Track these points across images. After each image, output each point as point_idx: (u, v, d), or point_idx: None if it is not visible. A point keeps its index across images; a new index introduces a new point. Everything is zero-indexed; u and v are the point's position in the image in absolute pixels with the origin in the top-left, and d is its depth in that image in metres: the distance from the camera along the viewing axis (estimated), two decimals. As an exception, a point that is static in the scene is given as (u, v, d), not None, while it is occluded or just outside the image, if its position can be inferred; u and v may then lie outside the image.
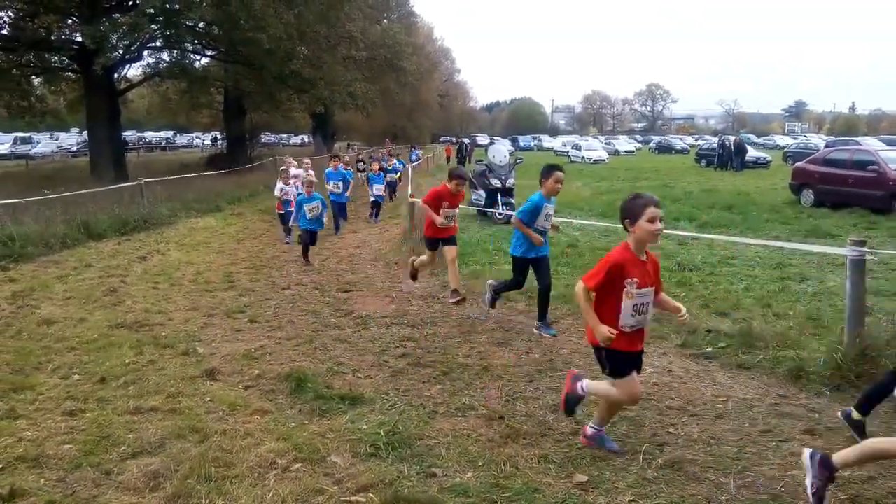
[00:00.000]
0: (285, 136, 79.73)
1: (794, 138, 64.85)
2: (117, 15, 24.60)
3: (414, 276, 8.48)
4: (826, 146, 29.80)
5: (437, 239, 7.82)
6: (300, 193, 11.37)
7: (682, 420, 4.65)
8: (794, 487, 3.68)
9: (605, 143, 66.42)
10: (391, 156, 24.61)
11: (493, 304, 7.44)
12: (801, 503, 3.53)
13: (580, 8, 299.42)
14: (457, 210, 7.92)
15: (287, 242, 12.63)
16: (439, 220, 7.53)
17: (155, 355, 6.07)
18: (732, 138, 40.85)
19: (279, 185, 13.30)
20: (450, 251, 7.76)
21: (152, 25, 24.63)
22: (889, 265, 9.51)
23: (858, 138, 41.60)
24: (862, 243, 5.35)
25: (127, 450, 4.16)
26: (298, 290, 8.98)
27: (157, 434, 4.36)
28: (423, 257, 8.18)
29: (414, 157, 34.44)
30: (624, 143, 71.38)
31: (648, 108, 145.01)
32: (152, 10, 23.31)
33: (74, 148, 51.95)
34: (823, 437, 4.32)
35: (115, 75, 28.73)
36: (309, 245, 10.88)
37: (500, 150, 17.40)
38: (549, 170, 6.74)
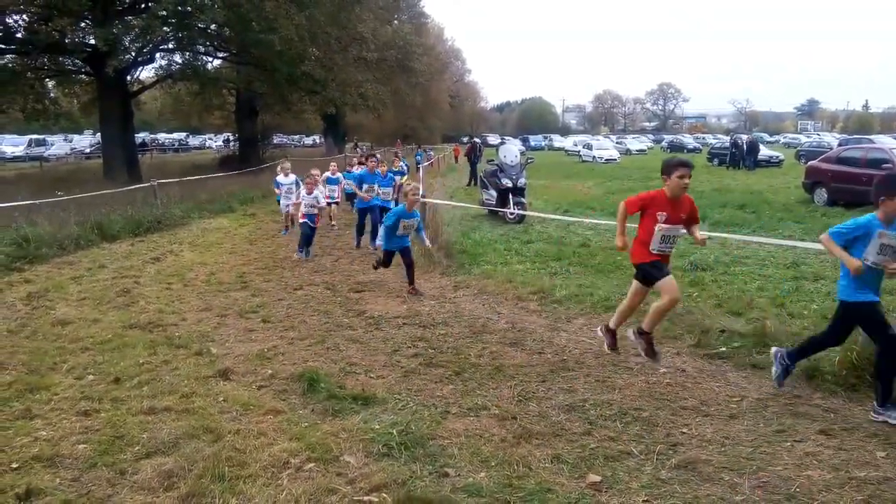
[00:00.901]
0: (296, 137, 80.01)
1: (808, 137, 64.47)
2: (129, 17, 24.78)
3: (613, 344, 6.04)
4: (839, 144, 29.60)
5: (656, 264, 5.43)
6: (397, 207, 9.41)
7: (695, 420, 4.62)
8: (810, 488, 3.66)
9: (617, 143, 66.25)
10: (395, 157, 24.14)
11: (782, 381, 5.15)
12: (817, 504, 3.51)
13: (591, 8, 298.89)
14: (681, 228, 5.65)
15: (307, 257, 11.22)
16: (661, 224, 5.34)
17: (168, 355, 6.11)
18: (745, 137, 40.66)
19: (302, 193, 11.53)
20: (668, 287, 5.33)
21: (164, 28, 24.80)
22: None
23: (872, 136, 41.24)
24: (877, 242, 5.29)
25: (141, 449, 4.19)
26: (310, 290, 9.00)
27: (171, 434, 4.38)
28: (625, 303, 5.93)
29: (419, 157, 34.00)
30: (635, 143, 71.18)
31: (660, 107, 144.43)
32: (164, 13, 23.47)
33: (88, 150, 52.29)
34: (838, 437, 4.29)
35: (128, 77, 28.92)
36: (386, 266, 9.20)
37: (511, 150, 17.38)
38: (893, 185, 4.59)
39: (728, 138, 45.92)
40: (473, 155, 29.64)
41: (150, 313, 7.65)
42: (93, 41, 23.70)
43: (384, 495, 3.64)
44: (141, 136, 63.50)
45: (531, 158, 19.82)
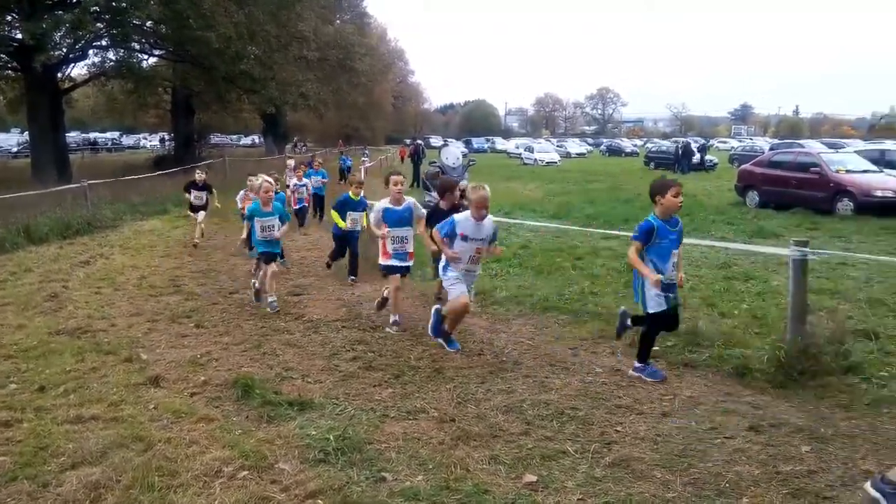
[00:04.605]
0: (235, 136, 78.62)
1: (740, 141, 66.60)
2: (60, 12, 23.89)
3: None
4: (770, 149, 30.65)
5: None
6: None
7: (629, 418, 4.70)
8: (739, 483, 3.75)
9: (557, 146, 67.24)
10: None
11: None
12: (747, 500, 3.60)
13: (534, 11, 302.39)
14: None
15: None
16: None
17: (97, 362, 5.90)
18: (682, 140, 41.79)
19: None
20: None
21: (97, 24, 24.02)
22: (830, 264, 9.78)
23: (802, 141, 42.86)
24: (804, 243, 5.51)
25: (66, 460, 4.03)
26: (247, 294, 8.82)
27: (99, 443, 4.22)
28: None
29: (346, 163, 27.67)
30: (575, 146, 72.40)
31: (599, 111, 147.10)
32: (97, 8, 22.75)
33: (15, 149, 50.39)
34: (766, 433, 4.41)
35: (59, 74, 27.91)
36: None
37: (453, 153, 17.46)
38: None
39: (669, 143, 47.07)
40: (416, 156, 29.63)
41: (79, 319, 7.39)
42: (20, 35, 22.82)
43: (319, 502, 3.58)
44: (69, 136, 61.46)
45: (472, 160, 19.94)
